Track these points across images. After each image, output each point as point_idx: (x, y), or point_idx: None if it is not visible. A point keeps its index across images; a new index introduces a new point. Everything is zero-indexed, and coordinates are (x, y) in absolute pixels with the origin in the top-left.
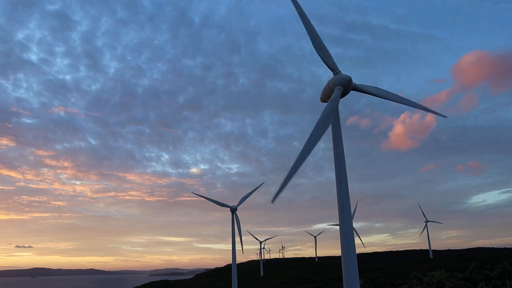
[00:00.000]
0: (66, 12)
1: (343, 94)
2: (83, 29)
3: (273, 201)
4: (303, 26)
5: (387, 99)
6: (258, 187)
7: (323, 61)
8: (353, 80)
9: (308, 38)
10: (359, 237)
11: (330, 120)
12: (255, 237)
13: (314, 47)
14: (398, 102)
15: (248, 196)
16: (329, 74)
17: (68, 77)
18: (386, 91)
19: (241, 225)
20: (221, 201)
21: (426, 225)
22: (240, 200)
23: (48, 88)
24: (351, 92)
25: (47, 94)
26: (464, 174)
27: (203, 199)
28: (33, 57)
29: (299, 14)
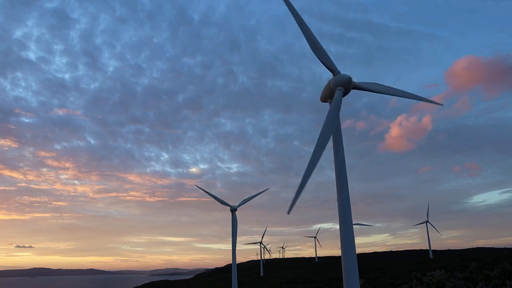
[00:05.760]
0: (65, 9)
1: (344, 94)
2: (81, 27)
3: (288, 212)
4: (298, 26)
5: (388, 94)
6: (263, 191)
7: (321, 62)
8: (353, 79)
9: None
10: (361, 224)
11: (335, 123)
12: (259, 243)
13: (310, 48)
14: (399, 96)
15: (250, 199)
16: (330, 73)
17: (67, 76)
18: (385, 86)
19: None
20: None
21: (426, 225)
22: (242, 201)
23: (47, 87)
24: (350, 93)
25: (46, 93)
26: (461, 175)
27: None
28: (32, 56)
29: (292, 14)
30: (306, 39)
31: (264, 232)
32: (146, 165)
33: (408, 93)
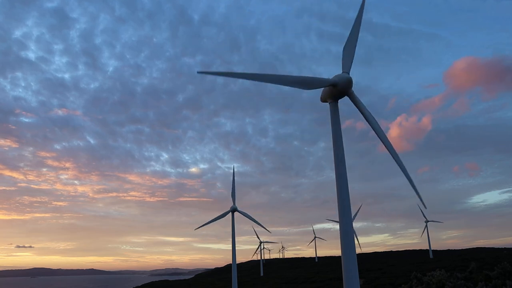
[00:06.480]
0: (64, 9)
1: (341, 95)
2: (81, 27)
3: (198, 72)
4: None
5: (373, 129)
6: (263, 227)
7: (342, 56)
8: (353, 80)
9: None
10: (357, 238)
11: (296, 82)
12: (257, 236)
13: (347, 42)
14: (382, 140)
15: (251, 219)
16: (330, 74)
17: (66, 76)
18: (376, 123)
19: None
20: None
21: (426, 225)
22: (244, 213)
23: (47, 87)
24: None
25: (45, 93)
26: (461, 175)
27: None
28: (31, 55)
29: (360, 11)
30: (351, 33)
31: (271, 242)
32: (146, 165)
33: (396, 155)
